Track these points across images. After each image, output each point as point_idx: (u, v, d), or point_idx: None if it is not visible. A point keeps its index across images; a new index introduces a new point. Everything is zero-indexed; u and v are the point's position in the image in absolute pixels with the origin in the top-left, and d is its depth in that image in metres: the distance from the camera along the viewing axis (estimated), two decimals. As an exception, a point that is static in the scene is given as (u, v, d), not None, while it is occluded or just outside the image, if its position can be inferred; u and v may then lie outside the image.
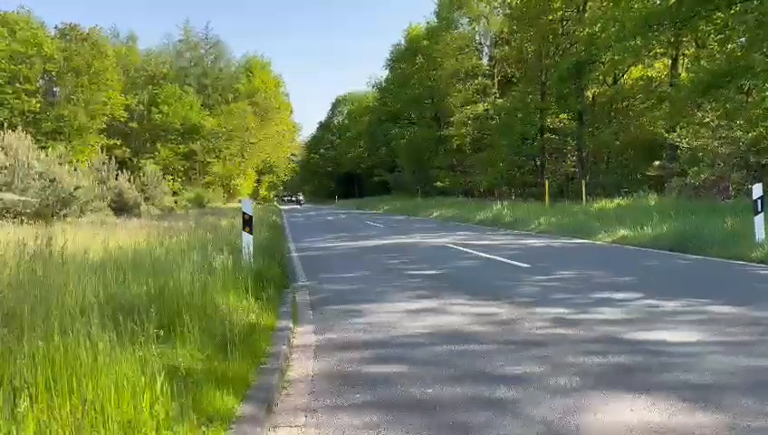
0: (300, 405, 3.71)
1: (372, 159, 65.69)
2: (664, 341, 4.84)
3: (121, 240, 9.57)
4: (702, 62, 22.05)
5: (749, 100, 19.39)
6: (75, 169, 22.51)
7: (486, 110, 40.00)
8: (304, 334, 5.58)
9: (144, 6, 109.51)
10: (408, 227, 21.70)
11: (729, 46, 19.75)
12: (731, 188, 18.37)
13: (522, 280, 8.33)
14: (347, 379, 4.17)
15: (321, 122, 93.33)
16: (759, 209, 10.47)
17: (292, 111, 73.42)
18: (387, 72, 55.33)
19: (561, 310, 6.15)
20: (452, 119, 41.79)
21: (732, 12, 18.22)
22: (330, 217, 33.48)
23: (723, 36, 19.60)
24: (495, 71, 42.15)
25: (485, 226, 21.37)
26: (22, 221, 15.39)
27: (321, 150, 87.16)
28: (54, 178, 19.85)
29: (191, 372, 3.67)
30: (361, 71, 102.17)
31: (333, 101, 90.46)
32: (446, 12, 43.14)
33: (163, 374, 3.05)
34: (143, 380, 2.94)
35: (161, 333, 3.86)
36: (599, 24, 25.91)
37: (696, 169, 19.67)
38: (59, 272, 4.55)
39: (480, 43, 44.14)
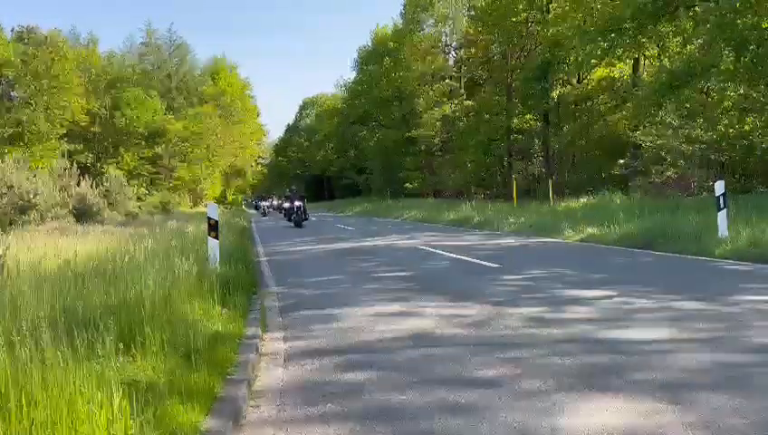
0: (269, 417, 3.57)
1: (341, 161, 65.45)
2: (636, 339, 4.84)
3: (82, 248, 9.24)
4: (664, 62, 22.51)
5: (709, 100, 19.84)
6: (35, 176, 21.74)
7: (454, 111, 40.17)
8: (273, 341, 5.43)
9: (105, 7, 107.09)
10: (378, 229, 21.61)
11: (689, 48, 20.20)
12: (693, 185, 18.77)
13: (493, 280, 8.31)
14: (317, 387, 4.04)
15: (288, 125, 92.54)
16: (722, 206, 10.67)
17: (258, 114, 72.66)
18: (354, 73, 55.23)
19: (533, 310, 6.13)
20: (420, 120, 41.88)
21: (690, 14, 18.63)
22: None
23: (682, 38, 20.04)
24: (462, 72, 42.36)
25: (455, 226, 21.41)
26: (-23, 230, 14.79)
27: (290, 153, 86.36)
28: (12, 185, 19.15)
29: (153, 386, 3.50)
30: (329, 73, 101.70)
31: (300, 103, 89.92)
32: (411, 13, 43.20)
33: (122, 390, 2.88)
34: (99, 396, 2.77)
35: (121, 346, 3.67)
36: (562, 26, 26.25)
37: (659, 167, 20.03)
38: (9, 285, 4.31)
39: (447, 45, 44.31)
